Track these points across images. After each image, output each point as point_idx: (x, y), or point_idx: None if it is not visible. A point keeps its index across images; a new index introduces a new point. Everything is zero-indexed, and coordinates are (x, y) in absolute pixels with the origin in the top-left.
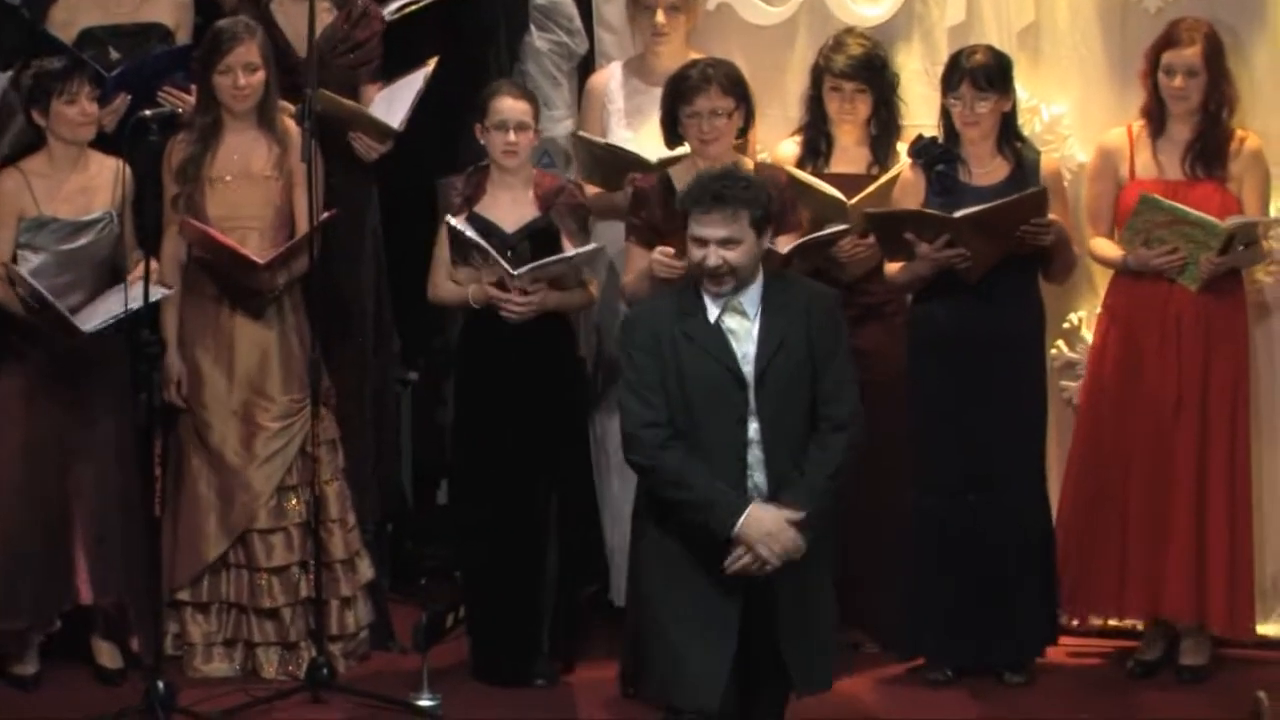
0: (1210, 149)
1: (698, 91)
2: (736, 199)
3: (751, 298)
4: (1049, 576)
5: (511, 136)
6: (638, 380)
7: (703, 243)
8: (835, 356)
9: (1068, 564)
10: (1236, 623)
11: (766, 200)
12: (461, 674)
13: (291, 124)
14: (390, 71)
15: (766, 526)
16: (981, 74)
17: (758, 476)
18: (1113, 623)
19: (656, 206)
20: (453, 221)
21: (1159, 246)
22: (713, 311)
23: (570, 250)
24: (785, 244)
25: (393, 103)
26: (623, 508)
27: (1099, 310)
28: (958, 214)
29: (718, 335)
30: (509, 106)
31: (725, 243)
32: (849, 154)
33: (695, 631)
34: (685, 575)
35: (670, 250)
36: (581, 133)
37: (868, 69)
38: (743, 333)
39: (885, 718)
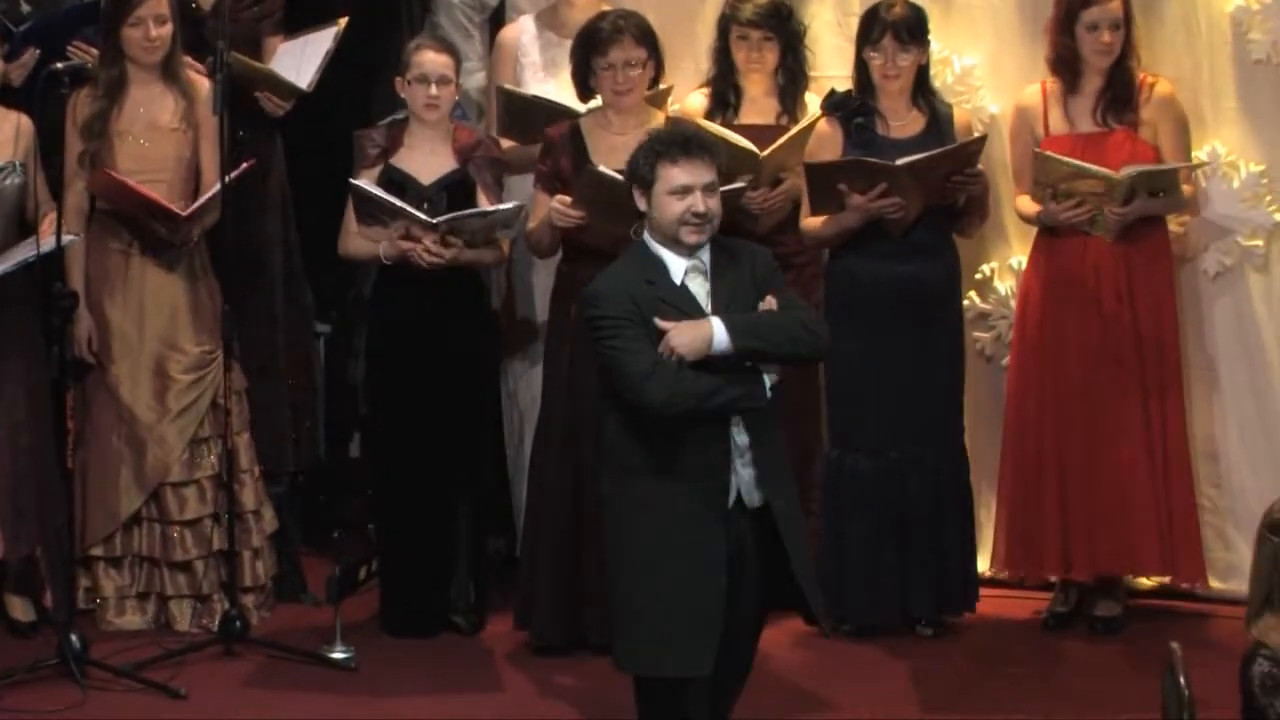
0: (1120, 97)
1: (611, 43)
2: (714, 147)
3: (706, 258)
4: (970, 532)
5: (433, 90)
6: (632, 340)
7: (686, 190)
8: (781, 294)
9: (1011, 523)
10: (1187, 572)
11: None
12: (374, 627)
13: (196, 77)
14: (298, 22)
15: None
16: (903, 27)
17: (738, 436)
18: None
19: (563, 155)
20: (356, 181)
21: (1066, 201)
22: (676, 275)
23: (488, 205)
24: None
25: (301, 59)
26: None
27: (1024, 267)
28: (900, 161)
29: (686, 296)
30: (431, 60)
31: (709, 189)
32: (757, 105)
33: (683, 597)
34: (666, 540)
35: (568, 199)
36: (506, 85)
37: (774, 17)
38: (703, 294)
39: (802, 673)
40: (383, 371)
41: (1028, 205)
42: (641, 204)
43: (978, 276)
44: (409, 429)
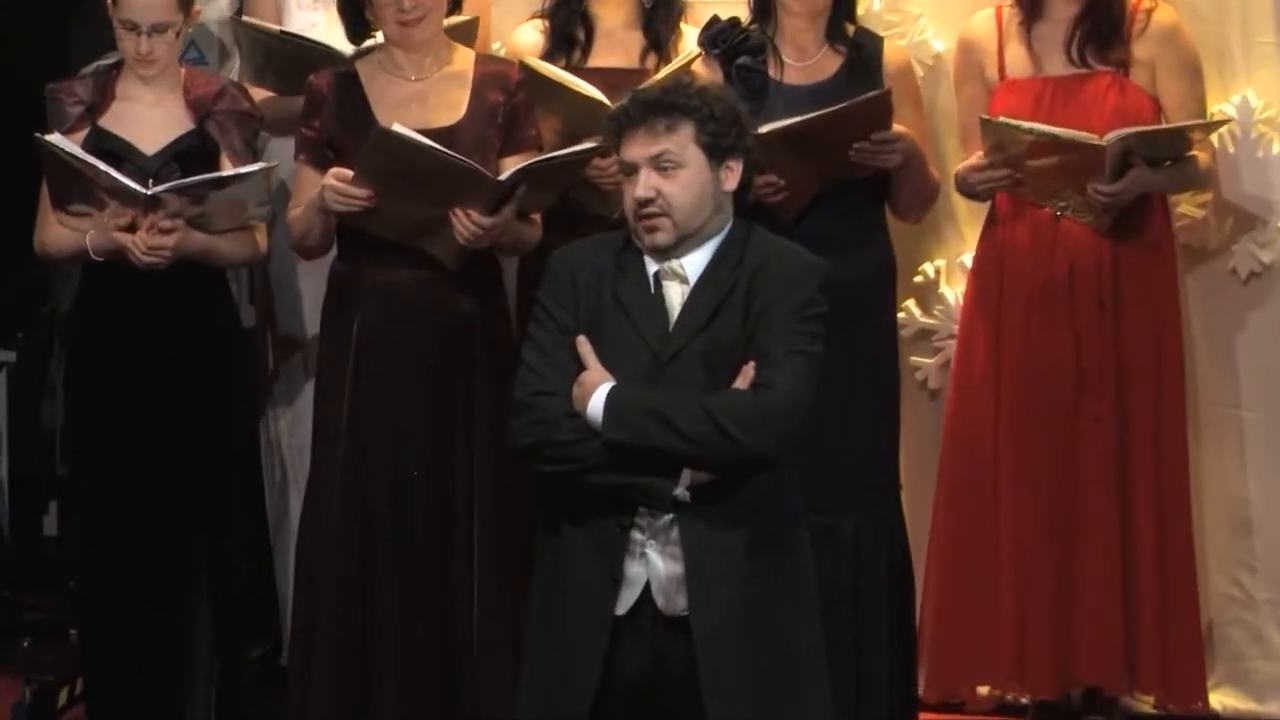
0: (1104, 26)
1: None
2: (677, 106)
3: (696, 260)
4: (907, 628)
5: (144, 46)
6: (539, 345)
7: (632, 169)
8: (772, 329)
9: (938, 618)
10: (1180, 690)
11: (728, 117)
12: None
13: None
14: None
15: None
16: None
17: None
18: (984, 691)
19: (335, 114)
20: (48, 138)
21: (991, 171)
22: (649, 275)
23: (230, 169)
24: (512, 166)
25: None
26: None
27: (970, 261)
28: (764, 129)
29: (653, 305)
30: (141, 3)
31: (659, 163)
32: (615, 40)
33: (558, 665)
34: (560, 601)
35: (346, 173)
36: (247, 19)
37: None
38: (677, 307)
39: None
40: (88, 414)
41: None
42: None
43: (918, 280)
44: (124, 495)
